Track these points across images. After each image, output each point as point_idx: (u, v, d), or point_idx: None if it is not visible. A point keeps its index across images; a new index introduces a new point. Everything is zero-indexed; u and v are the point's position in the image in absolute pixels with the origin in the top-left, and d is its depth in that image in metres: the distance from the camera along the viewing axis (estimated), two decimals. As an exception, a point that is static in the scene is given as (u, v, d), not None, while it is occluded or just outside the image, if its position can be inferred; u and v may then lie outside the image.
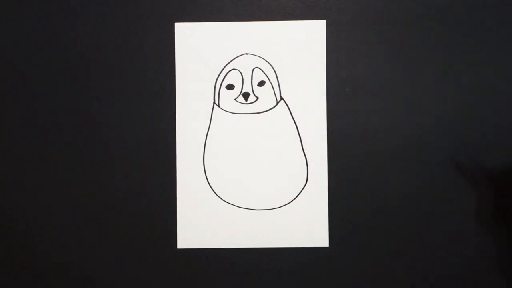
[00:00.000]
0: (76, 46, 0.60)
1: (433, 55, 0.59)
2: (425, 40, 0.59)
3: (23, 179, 0.60)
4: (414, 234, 0.59)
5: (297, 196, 0.60)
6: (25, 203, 0.60)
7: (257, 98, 0.60)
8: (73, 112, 0.60)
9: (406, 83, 0.59)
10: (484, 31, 0.59)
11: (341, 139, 0.59)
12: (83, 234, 0.60)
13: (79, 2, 0.60)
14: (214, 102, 0.60)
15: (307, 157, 0.59)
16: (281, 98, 0.60)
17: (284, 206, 0.60)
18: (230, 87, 0.60)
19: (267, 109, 0.60)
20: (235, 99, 0.60)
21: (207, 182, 0.60)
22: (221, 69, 0.60)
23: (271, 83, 0.60)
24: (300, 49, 0.60)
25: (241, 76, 0.60)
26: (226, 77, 0.60)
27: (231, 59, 0.60)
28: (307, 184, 0.59)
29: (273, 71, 0.60)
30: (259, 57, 0.60)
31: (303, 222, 0.59)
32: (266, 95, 0.60)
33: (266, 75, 0.60)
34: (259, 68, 0.60)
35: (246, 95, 0.60)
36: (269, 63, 0.60)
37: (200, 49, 0.60)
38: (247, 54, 0.60)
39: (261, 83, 0.60)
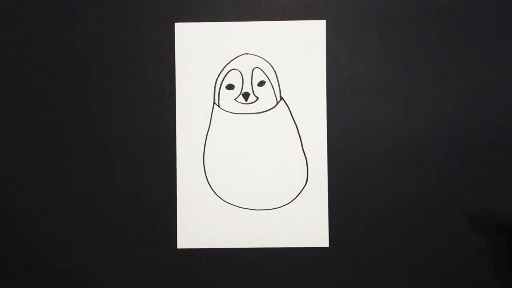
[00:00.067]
0: (76, 46, 0.60)
1: (433, 55, 0.59)
2: (425, 40, 0.59)
3: (23, 179, 0.60)
4: (414, 234, 0.59)
5: (297, 196, 0.60)
6: (25, 203, 0.60)
7: (257, 98, 0.60)
8: (73, 112, 0.60)
9: (406, 83, 0.59)
10: (484, 31, 0.59)
11: (341, 139, 0.59)
12: (83, 234, 0.60)
13: (79, 2, 0.60)
14: (214, 102, 0.60)
15: (307, 157, 0.59)
16: (281, 98, 0.60)
17: (284, 206, 0.60)
18: (230, 87, 0.60)
19: (267, 109, 0.60)
20: (235, 99, 0.60)
21: (207, 182, 0.60)
22: (221, 69, 0.60)
23: (271, 83, 0.60)
24: (300, 49, 0.60)
25: (241, 76, 0.60)
26: (226, 77, 0.60)
27: (231, 59, 0.60)
28: (307, 184, 0.59)
29: (273, 71, 0.60)
30: (259, 57, 0.60)
31: (303, 222, 0.59)
32: (266, 95, 0.60)
33: (266, 75, 0.60)
34: (259, 68, 0.60)
35: (246, 95, 0.60)
36: (269, 63, 0.60)
37: (200, 49, 0.60)
38: (247, 54, 0.60)
39: (261, 83, 0.60)
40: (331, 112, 0.59)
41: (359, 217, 0.59)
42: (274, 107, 0.60)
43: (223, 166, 0.60)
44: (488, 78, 0.59)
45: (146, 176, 0.59)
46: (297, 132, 0.60)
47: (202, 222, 0.60)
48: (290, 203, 0.60)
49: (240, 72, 0.60)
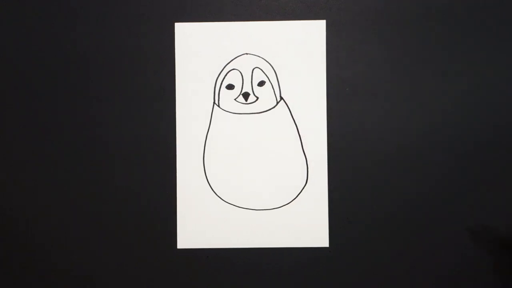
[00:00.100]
0: (76, 46, 0.60)
1: (433, 55, 0.59)
2: (425, 40, 0.59)
3: (23, 179, 0.60)
4: (414, 234, 0.59)
5: (297, 196, 0.60)
6: (25, 203, 0.60)
7: (257, 98, 0.60)
8: (73, 112, 0.60)
9: (406, 83, 0.59)
10: (484, 31, 0.59)
11: (341, 139, 0.59)
12: (83, 234, 0.60)
13: (79, 2, 0.60)
14: (214, 102, 0.60)
15: (307, 157, 0.59)
16: (281, 98, 0.60)
17: (284, 206, 0.60)
18: (230, 87, 0.60)
19: (267, 109, 0.60)
20: (235, 99, 0.60)
21: (207, 182, 0.60)
22: (221, 69, 0.60)
23: (271, 83, 0.60)
24: (300, 49, 0.60)
25: (241, 76, 0.60)
26: (226, 77, 0.60)
27: (231, 59, 0.60)
28: (307, 184, 0.59)
29: (273, 71, 0.60)
30: (259, 57, 0.60)
31: (303, 222, 0.59)
32: (266, 95, 0.60)
33: (266, 75, 0.60)
34: (259, 68, 0.60)
35: (246, 95, 0.60)
36: (269, 63, 0.60)
37: (200, 49, 0.60)
38: (247, 54, 0.60)
39: (261, 83, 0.60)
40: (331, 112, 0.59)
41: (359, 217, 0.59)
42: (274, 107, 0.60)
43: (223, 166, 0.60)
44: (488, 78, 0.59)
45: (146, 176, 0.59)
46: (297, 132, 0.60)
47: (202, 222, 0.60)
48: (290, 203, 0.60)
49: (240, 72, 0.60)
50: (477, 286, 0.58)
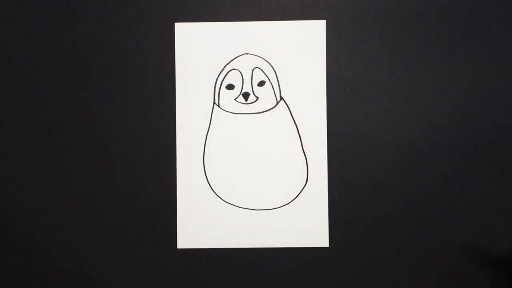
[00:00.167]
0: (76, 46, 0.60)
1: (433, 55, 0.59)
2: (425, 40, 0.59)
3: (23, 179, 0.60)
4: (414, 234, 0.59)
5: (297, 196, 0.60)
6: (25, 203, 0.60)
7: (257, 98, 0.60)
8: (73, 112, 0.60)
9: (406, 83, 0.59)
10: (484, 31, 0.59)
11: (341, 139, 0.59)
12: (83, 234, 0.60)
13: (79, 2, 0.60)
14: (214, 102, 0.60)
15: (307, 157, 0.59)
16: (281, 98, 0.60)
17: (284, 206, 0.60)
18: (230, 87, 0.60)
19: (267, 109, 0.60)
20: (235, 99, 0.60)
21: (207, 182, 0.60)
22: (221, 69, 0.60)
23: (271, 83, 0.60)
24: (300, 49, 0.60)
25: (241, 76, 0.60)
26: (226, 77, 0.60)
27: (231, 59, 0.60)
28: (307, 184, 0.59)
29: (273, 71, 0.60)
30: (259, 57, 0.60)
31: (303, 222, 0.59)
32: (266, 95, 0.60)
33: (266, 75, 0.60)
34: (259, 68, 0.60)
35: (246, 95, 0.60)
36: (269, 63, 0.60)
37: (200, 49, 0.60)
38: (247, 54, 0.60)
39: (261, 83, 0.60)
40: (331, 112, 0.59)
41: (359, 217, 0.59)
42: (274, 107, 0.60)
43: (223, 166, 0.60)
44: (488, 78, 0.59)
45: (146, 176, 0.59)
46: (297, 132, 0.60)
47: (202, 222, 0.60)
48: (290, 203, 0.60)
49: (240, 72, 0.60)
50: (477, 286, 0.58)
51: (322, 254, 0.59)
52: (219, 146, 0.60)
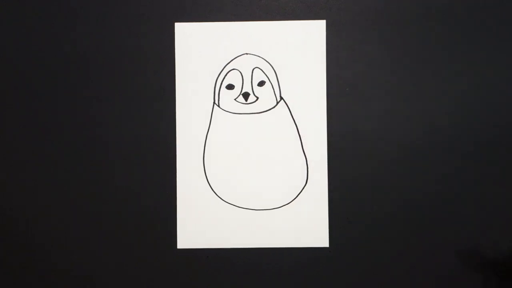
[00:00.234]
0: (76, 46, 0.60)
1: (433, 55, 0.59)
2: (425, 40, 0.59)
3: (23, 179, 0.60)
4: (414, 234, 0.59)
5: (297, 196, 0.60)
6: (25, 203, 0.60)
7: (257, 98, 0.60)
8: (73, 112, 0.60)
9: (406, 83, 0.59)
10: (484, 31, 0.59)
11: (341, 139, 0.59)
12: (83, 234, 0.60)
13: (79, 2, 0.60)
14: (214, 102, 0.60)
15: (307, 157, 0.59)
16: (281, 98, 0.60)
17: (284, 206, 0.60)
18: (230, 87, 0.60)
19: (267, 109, 0.60)
20: (235, 99, 0.60)
21: (207, 182, 0.60)
22: (221, 69, 0.60)
23: (271, 83, 0.60)
24: (300, 49, 0.60)
25: (241, 76, 0.60)
26: (226, 77, 0.60)
27: (231, 59, 0.60)
28: (307, 184, 0.59)
29: (273, 71, 0.60)
30: (259, 57, 0.60)
31: (303, 222, 0.59)
32: (266, 95, 0.60)
33: (266, 75, 0.60)
34: (259, 68, 0.60)
35: (246, 95, 0.60)
36: (269, 63, 0.60)
37: (200, 49, 0.60)
38: (247, 54, 0.60)
39: (261, 83, 0.60)
40: (331, 112, 0.59)
41: (359, 217, 0.59)
42: (274, 107, 0.60)
43: (223, 166, 0.60)
44: (488, 78, 0.59)
45: (146, 176, 0.59)
46: (297, 132, 0.60)
47: (202, 222, 0.60)
48: (290, 203, 0.60)
49: (240, 72, 0.60)
50: (478, 286, 0.58)
51: (322, 254, 0.59)
52: (219, 146, 0.60)
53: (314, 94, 0.59)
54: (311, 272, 0.59)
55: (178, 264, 0.59)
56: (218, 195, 0.60)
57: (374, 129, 0.59)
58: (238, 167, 0.60)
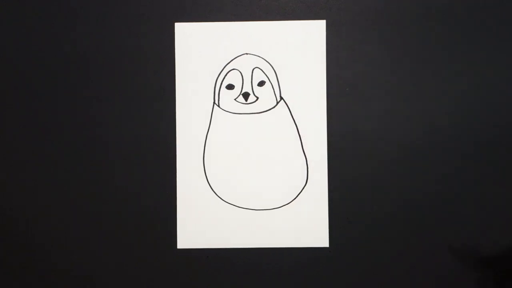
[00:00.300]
0: (76, 46, 0.60)
1: (433, 55, 0.59)
2: (425, 40, 0.59)
3: (23, 179, 0.60)
4: (414, 235, 0.59)
5: (297, 196, 0.60)
6: (25, 203, 0.60)
7: (257, 98, 0.60)
8: (73, 112, 0.60)
9: (406, 83, 0.59)
10: (484, 31, 0.59)
11: (341, 139, 0.59)
12: (83, 234, 0.60)
13: (79, 2, 0.60)
14: (214, 102, 0.60)
15: (307, 157, 0.59)
16: (281, 98, 0.60)
17: (284, 206, 0.60)
18: (230, 87, 0.60)
19: (267, 109, 0.60)
20: (235, 99, 0.60)
21: (207, 182, 0.60)
22: (221, 69, 0.60)
23: (271, 83, 0.60)
24: (300, 49, 0.60)
25: (241, 76, 0.60)
26: (226, 77, 0.60)
27: (231, 59, 0.60)
28: (307, 184, 0.59)
29: (273, 71, 0.60)
30: (259, 57, 0.60)
31: (303, 222, 0.59)
32: (266, 95, 0.60)
33: (266, 75, 0.60)
34: (259, 68, 0.60)
35: (246, 95, 0.60)
36: (269, 63, 0.60)
37: (200, 49, 0.60)
38: (247, 54, 0.60)
39: (261, 83, 0.60)
40: (331, 112, 0.59)
41: (359, 217, 0.59)
42: (274, 107, 0.60)
43: (223, 166, 0.60)
44: (488, 78, 0.59)
45: (146, 176, 0.59)
46: (297, 132, 0.60)
47: (202, 222, 0.60)
48: (290, 203, 0.60)
49: (240, 72, 0.60)
50: (477, 286, 0.58)
51: (322, 254, 0.59)
52: (219, 146, 0.60)
53: (314, 94, 0.59)
54: (311, 272, 0.59)
55: (178, 264, 0.59)
56: (218, 195, 0.60)
57: (374, 129, 0.59)
58: (238, 167, 0.60)
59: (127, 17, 0.60)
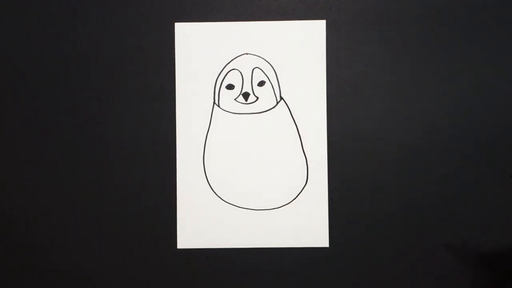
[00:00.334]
0: (76, 46, 0.60)
1: (433, 55, 0.59)
2: (425, 40, 0.59)
3: (23, 179, 0.60)
4: (414, 234, 0.59)
5: (297, 196, 0.60)
6: (25, 203, 0.60)
7: (257, 98, 0.60)
8: (73, 112, 0.60)
9: (406, 83, 0.59)
10: (484, 31, 0.59)
11: (341, 139, 0.59)
12: (83, 234, 0.60)
13: (79, 2, 0.60)
14: (214, 102, 0.60)
15: (307, 157, 0.59)
16: (281, 98, 0.60)
17: (284, 206, 0.60)
18: (230, 87, 0.60)
19: (267, 109, 0.60)
20: (235, 99, 0.60)
21: (207, 182, 0.60)
22: (221, 69, 0.60)
23: (271, 83, 0.60)
24: (300, 49, 0.60)
25: (241, 76, 0.60)
26: (226, 77, 0.60)
27: (231, 59, 0.60)
28: (307, 184, 0.59)
29: (273, 71, 0.60)
30: (259, 57, 0.60)
31: (303, 222, 0.59)
32: (266, 95, 0.60)
33: (266, 75, 0.60)
34: (259, 68, 0.60)
35: (246, 95, 0.60)
36: (269, 63, 0.60)
37: (200, 49, 0.60)
38: (247, 54, 0.60)
39: (261, 83, 0.60)
40: (331, 112, 0.59)
41: (359, 217, 0.59)
42: (274, 107, 0.60)
43: (223, 166, 0.60)
44: (488, 79, 0.59)
45: (146, 176, 0.59)
46: (297, 132, 0.60)
47: (202, 222, 0.60)
48: (290, 203, 0.60)
49: (240, 72, 0.60)
50: (477, 286, 0.59)
51: (322, 254, 0.59)
52: (219, 146, 0.60)
53: (314, 94, 0.59)
54: (311, 272, 0.59)
55: (178, 264, 0.59)
56: (218, 195, 0.60)
57: (374, 129, 0.59)
58: (238, 167, 0.60)
59: (127, 17, 0.60)
